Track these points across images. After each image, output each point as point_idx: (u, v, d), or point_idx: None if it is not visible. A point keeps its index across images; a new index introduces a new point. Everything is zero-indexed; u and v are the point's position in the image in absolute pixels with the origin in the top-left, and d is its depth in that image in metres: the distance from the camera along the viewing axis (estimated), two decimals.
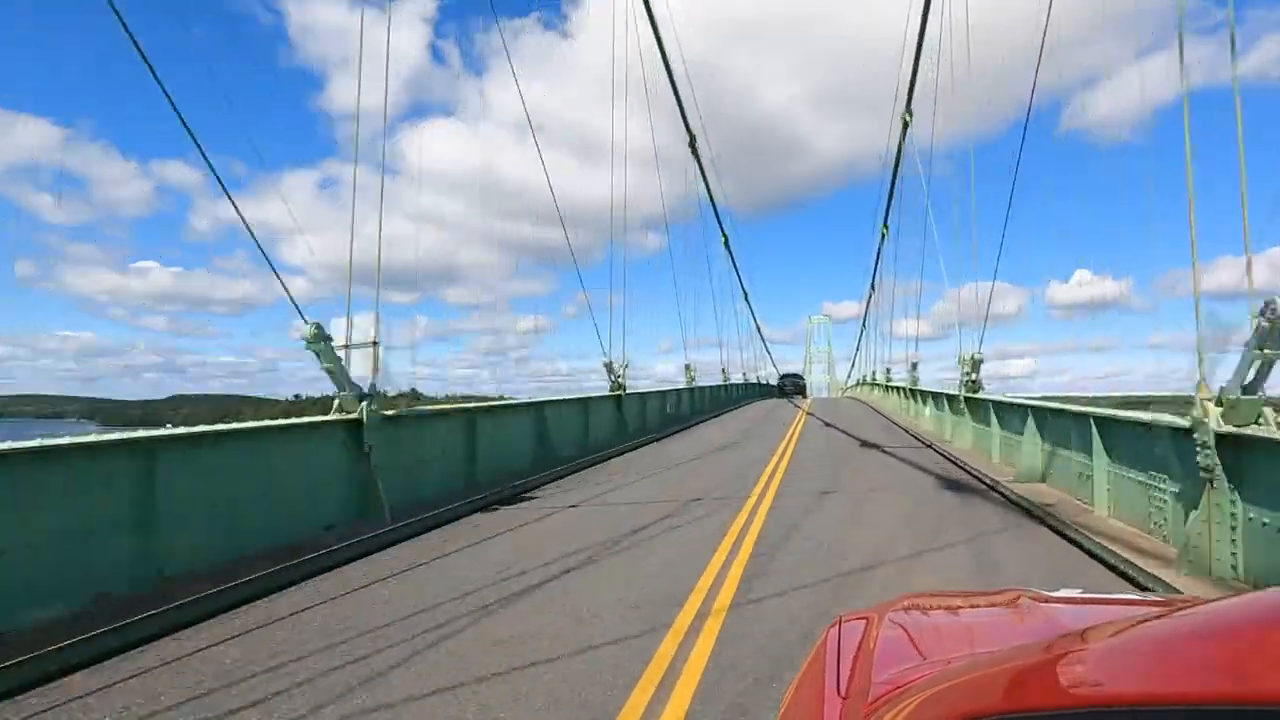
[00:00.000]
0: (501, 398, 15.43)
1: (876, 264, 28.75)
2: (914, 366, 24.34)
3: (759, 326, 49.87)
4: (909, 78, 14.17)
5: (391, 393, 8.17)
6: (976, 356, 14.25)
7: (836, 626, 1.93)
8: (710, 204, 29.89)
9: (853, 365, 56.84)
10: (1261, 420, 4.96)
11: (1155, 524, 6.28)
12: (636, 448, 15.39)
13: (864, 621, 1.90)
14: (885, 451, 14.15)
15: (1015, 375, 42.75)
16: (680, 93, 22.38)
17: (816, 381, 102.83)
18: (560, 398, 14.12)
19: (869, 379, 39.62)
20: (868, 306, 35.98)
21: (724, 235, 34.40)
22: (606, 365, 17.11)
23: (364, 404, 7.35)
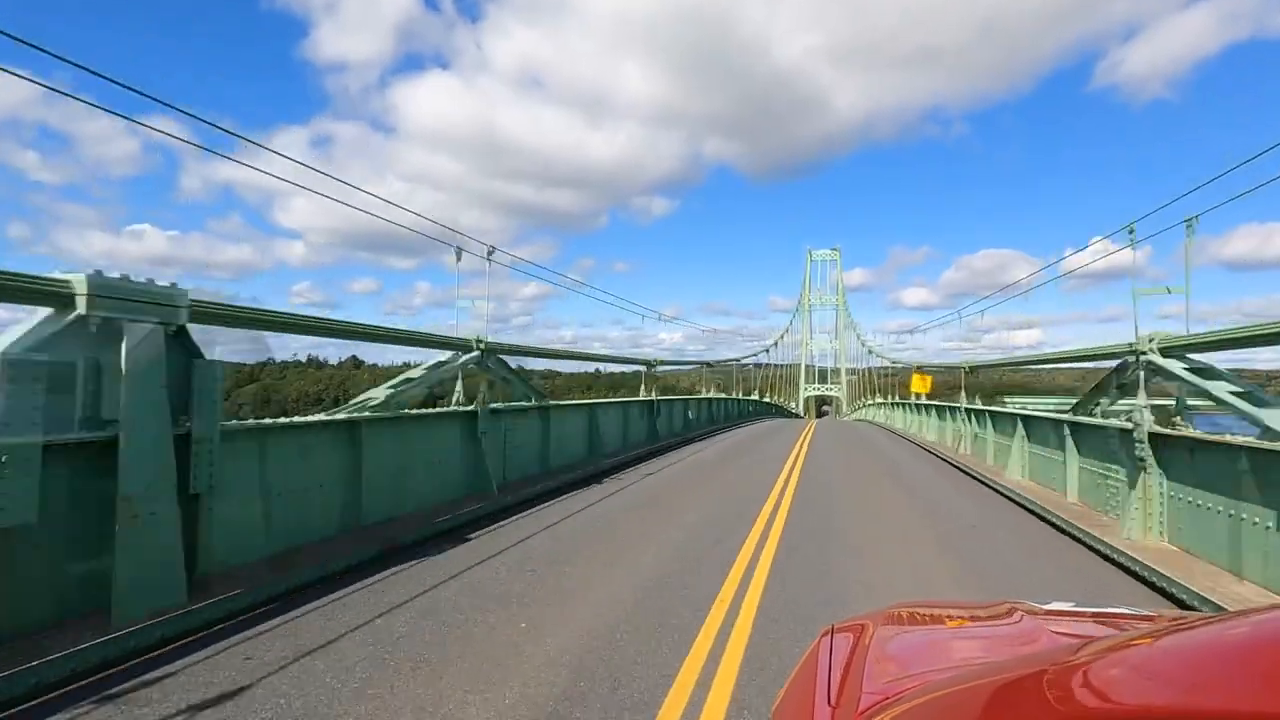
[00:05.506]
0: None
1: None
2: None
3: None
4: None
5: None
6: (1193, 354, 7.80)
7: (828, 635, 1.76)
8: None
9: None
10: None
11: None
12: (509, 514, 8.59)
13: (855, 631, 1.73)
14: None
15: (1021, 346, 36.28)
16: None
17: (821, 350, 72.31)
18: (283, 421, 6.45)
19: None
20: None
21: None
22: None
23: None
